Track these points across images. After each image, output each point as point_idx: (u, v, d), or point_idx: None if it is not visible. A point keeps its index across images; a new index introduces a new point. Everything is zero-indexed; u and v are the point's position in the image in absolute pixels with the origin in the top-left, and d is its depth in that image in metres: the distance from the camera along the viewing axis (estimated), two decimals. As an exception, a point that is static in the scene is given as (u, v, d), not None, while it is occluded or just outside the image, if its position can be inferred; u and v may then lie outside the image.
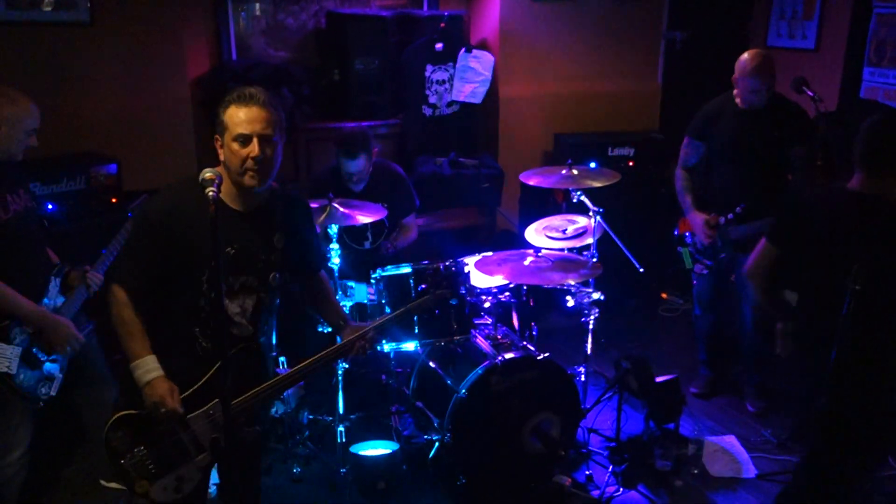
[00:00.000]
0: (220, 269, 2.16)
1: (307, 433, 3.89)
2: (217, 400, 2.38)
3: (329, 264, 3.70)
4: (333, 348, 2.58)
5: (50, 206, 3.88)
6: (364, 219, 3.75)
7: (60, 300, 3.08)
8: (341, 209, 3.70)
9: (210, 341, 2.42)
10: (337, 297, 3.68)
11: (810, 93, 3.56)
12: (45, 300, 3.02)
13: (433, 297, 2.75)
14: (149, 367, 2.35)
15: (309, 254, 2.68)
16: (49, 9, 4.28)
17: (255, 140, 2.31)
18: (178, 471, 2.41)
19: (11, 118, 2.90)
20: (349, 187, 4.16)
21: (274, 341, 3.84)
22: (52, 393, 3.04)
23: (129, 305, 2.38)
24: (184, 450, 2.41)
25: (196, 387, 2.39)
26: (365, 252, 4.29)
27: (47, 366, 3.01)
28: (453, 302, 2.85)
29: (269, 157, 2.35)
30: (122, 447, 2.37)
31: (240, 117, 2.31)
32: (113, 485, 3.26)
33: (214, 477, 2.68)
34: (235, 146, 2.32)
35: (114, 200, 4.10)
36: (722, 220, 4.07)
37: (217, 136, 2.37)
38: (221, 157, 2.39)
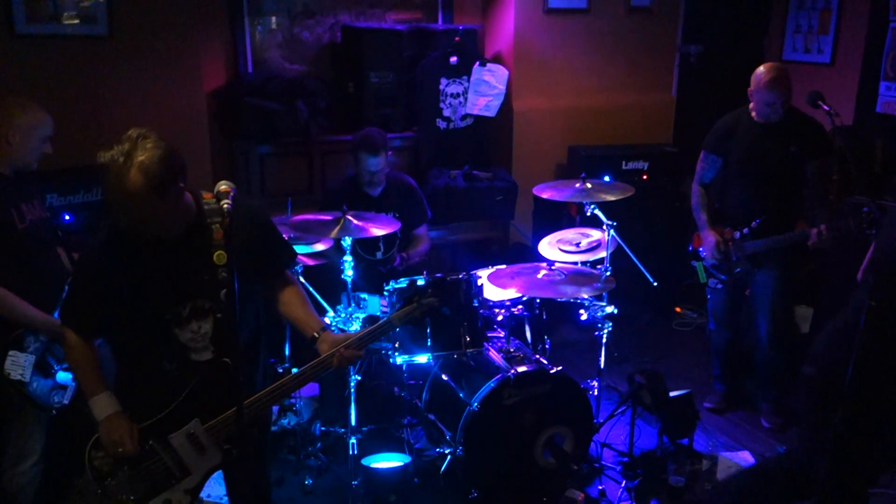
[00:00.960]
0: (233, 289, 2.12)
1: (319, 445, 3.90)
2: (196, 419, 2.36)
3: (342, 276, 3.71)
4: (309, 365, 2.45)
5: (67, 217, 3.92)
6: (378, 231, 3.76)
7: None
8: (355, 221, 3.71)
9: (174, 364, 2.37)
10: (350, 309, 3.71)
11: (826, 107, 3.55)
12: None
13: (418, 306, 2.53)
14: (104, 404, 2.35)
15: (263, 258, 2.49)
16: (69, 22, 4.34)
17: None
18: (165, 494, 2.38)
19: (25, 126, 2.95)
20: (366, 192, 4.19)
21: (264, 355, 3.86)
22: (65, 402, 3.06)
23: (79, 347, 2.39)
24: (168, 472, 2.38)
25: (170, 409, 2.35)
26: (377, 262, 4.30)
27: (60, 374, 3.03)
28: (445, 311, 2.53)
29: (151, 220, 2.19)
30: (106, 467, 2.36)
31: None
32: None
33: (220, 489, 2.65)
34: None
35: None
36: (737, 234, 4.05)
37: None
38: None
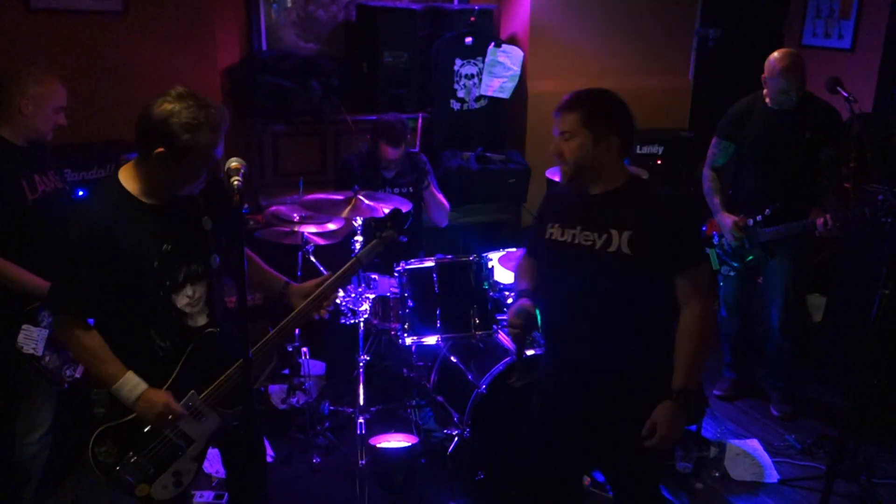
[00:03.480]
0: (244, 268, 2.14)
1: (327, 424, 3.92)
2: (192, 391, 2.40)
3: (352, 256, 3.71)
4: (290, 318, 2.53)
5: (80, 193, 3.93)
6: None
7: None
8: (366, 201, 3.71)
9: (168, 340, 2.38)
10: (360, 289, 3.71)
11: (844, 93, 3.50)
12: None
13: (380, 240, 2.71)
14: (134, 384, 2.31)
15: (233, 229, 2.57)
16: (84, -3, 4.34)
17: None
18: (173, 466, 2.43)
19: (37, 96, 2.94)
20: (381, 174, 4.20)
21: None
22: (77, 375, 3.08)
23: (86, 333, 2.31)
24: (173, 446, 2.42)
25: (169, 383, 2.38)
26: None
27: None
28: (402, 240, 2.75)
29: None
30: (111, 459, 2.37)
31: (218, 142, 2.29)
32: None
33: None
34: (200, 166, 2.29)
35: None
36: (750, 221, 4.02)
37: (163, 148, 2.21)
38: (147, 160, 2.26)
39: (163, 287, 2.34)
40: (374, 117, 4.47)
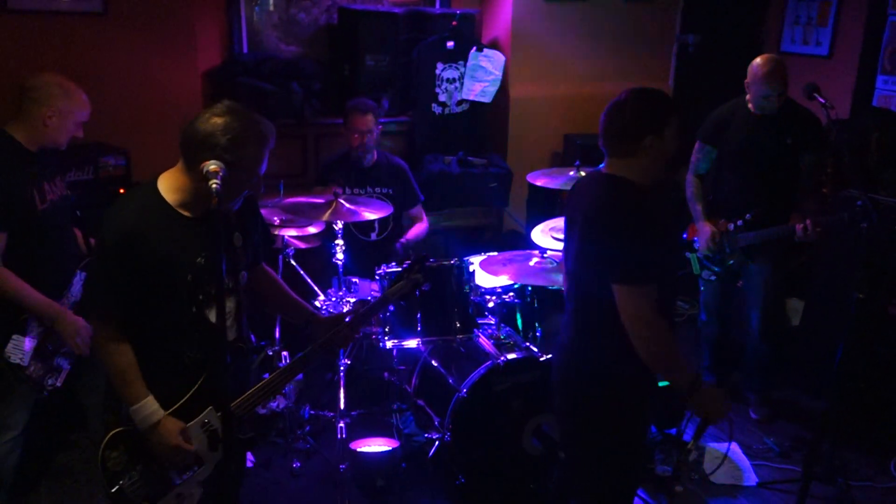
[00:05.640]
0: (221, 272, 2.08)
1: (308, 428, 3.90)
2: (210, 408, 2.34)
3: (333, 260, 3.70)
4: (315, 346, 2.51)
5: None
6: (370, 215, 3.75)
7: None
8: (347, 205, 3.70)
9: (196, 352, 2.32)
10: (340, 293, 3.70)
11: (821, 99, 3.54)
12: (69, 293, 3.03)
13: (408, 281, 2.71)
14: (152, 409, 2.25)
15: (258, 246, 2.57)
16: (63, -2, 4.30)
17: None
18: (177, 488, 2.34)
19: (64, 110, 2.92)
20: (358, 160, 4.22)
21: (277, 336, 3.87)
22: (58, 384, 3.05)
23: (118, 347, 2.25)
24: (184, 466, 2.34)
25: (185, 398, 2.31)
26: (371, 244, 4.30)
27: (58, 359, 3.03)
28: (426, 287, 2.82)
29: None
30: (120, 467, 2.29)
31: (264, 157, 2.27)
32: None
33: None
34: (245, 181, 2.25)
35: (122, 191, 4.12)
36: (731, 226, 4.05)
37: (213, 160, 2.13)
38: (190, 171, 2.20)
39: (196, 301, 2.28)
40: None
